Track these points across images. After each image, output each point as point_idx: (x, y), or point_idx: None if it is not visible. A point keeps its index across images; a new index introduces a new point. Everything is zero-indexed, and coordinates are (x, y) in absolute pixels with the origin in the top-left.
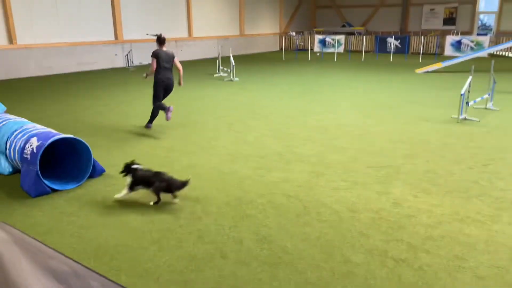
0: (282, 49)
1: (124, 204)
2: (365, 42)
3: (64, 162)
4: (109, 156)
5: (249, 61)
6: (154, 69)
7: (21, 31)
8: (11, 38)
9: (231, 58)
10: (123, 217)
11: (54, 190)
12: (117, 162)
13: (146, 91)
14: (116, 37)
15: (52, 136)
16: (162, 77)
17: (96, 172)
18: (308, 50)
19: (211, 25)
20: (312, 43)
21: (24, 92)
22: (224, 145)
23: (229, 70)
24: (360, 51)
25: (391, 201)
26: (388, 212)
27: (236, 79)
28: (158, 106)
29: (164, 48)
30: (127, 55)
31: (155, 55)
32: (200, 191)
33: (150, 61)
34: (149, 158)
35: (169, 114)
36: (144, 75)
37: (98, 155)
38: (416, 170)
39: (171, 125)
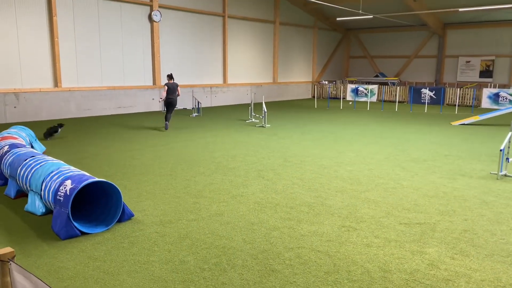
0: (314, 97)
1: (150, 250)
2: (398, 92)
3: (95, 204)
4: (139, 201)
5: (281, 108)
6: (165, 94)
7: (66, 75)
8: (56, 82)
9: (263, 105)
10: (148, 265)
11: (83, 233)
12: (146, 207)
13: (181, 135)
14: (154, 83)
15: (85, 180)
16: (168, 98)
17: (125, 216)
18: (340, 98)
19: (245, 72)
20: (345, 92)
21: (63, 133)
22: (253, 192)
23: (261, 117)
24: (394, 101)
25: (427, 262)
26: (423, 274)
27: (268, 125)
28: (165, 117)
29: (172, 81)
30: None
31: (165, 85)
32: (227, 240)
33: (178, 93)
34: (176, 204)
35: (167, 125)
36: (159, 99)
37: (127, 199)
38: (453, 228)
39: (202, 170)
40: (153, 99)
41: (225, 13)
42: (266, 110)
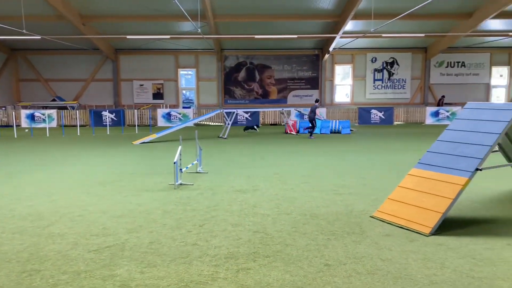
0: None
1: None
2: (79, 116)
3: None
4: None
5: None
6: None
7: None
8: None
9: None
10: None
11: None
12: None
13: None
14: None
15: None
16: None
17: None
18: (14, 126)
19: None
20: (18, 118)
21: None
22: None
23: None
24: (75, 126)
25: (118, 284)
26: None
27: None
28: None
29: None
30: None
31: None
32: None
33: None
34: None
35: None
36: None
37: None
38: (141, 243)
39: None
40: None
41: None
42: None
